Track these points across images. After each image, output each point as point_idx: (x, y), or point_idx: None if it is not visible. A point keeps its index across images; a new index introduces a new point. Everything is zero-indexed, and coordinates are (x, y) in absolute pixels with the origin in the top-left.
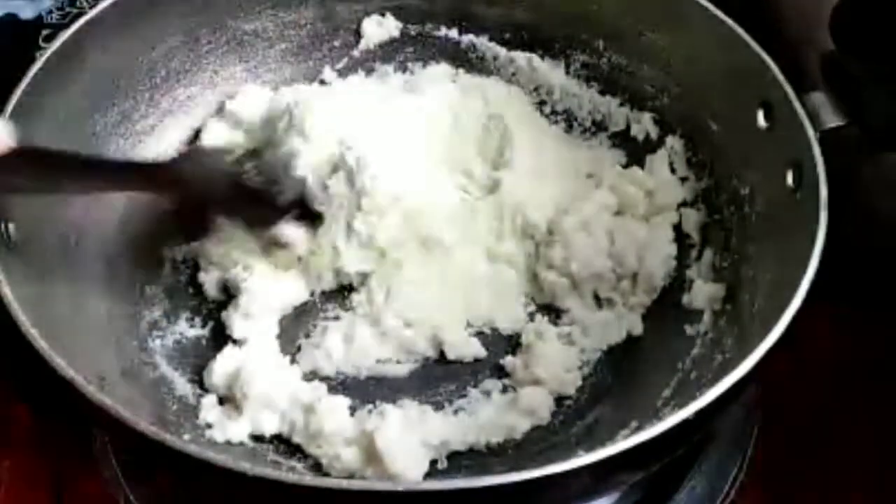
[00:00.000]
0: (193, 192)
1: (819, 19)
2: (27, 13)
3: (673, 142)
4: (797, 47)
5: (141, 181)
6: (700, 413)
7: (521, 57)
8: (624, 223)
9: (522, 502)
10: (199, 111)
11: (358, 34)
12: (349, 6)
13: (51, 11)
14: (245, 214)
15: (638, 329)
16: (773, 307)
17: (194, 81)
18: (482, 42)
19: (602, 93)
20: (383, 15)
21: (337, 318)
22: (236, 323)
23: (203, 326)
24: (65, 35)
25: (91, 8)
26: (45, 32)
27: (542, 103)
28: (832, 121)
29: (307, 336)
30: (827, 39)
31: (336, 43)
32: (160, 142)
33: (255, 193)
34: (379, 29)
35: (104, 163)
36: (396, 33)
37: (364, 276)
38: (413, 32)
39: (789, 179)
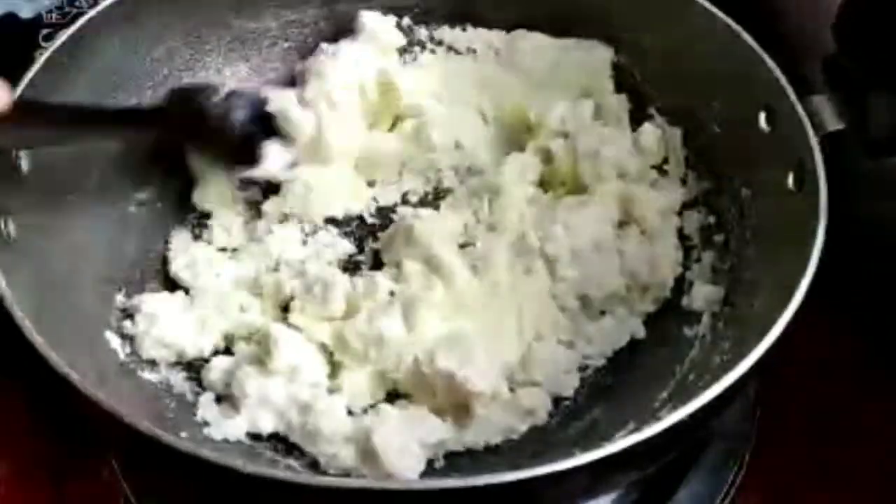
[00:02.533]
0: (176, 131)
1: (821, 22)
2: (26, 12)
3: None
4: (799, 50)
5: (130, 123)
6: (696, 414)
7: None
8: (630, 235)
9: (519, 502)
10: None
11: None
12: (352, 5)
13: (50, 11)
14: (219, 152)
15: (640, 333)
16: (771, 310)
17: (198, 79)
18: None
19: None
20: (386, 14)
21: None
22: None
23: None
24: (66, 34)
25: (91, 7)
26: (44, 32)
27: None
28: (833, 124)
29: None
30: (829, 42)
31: (340, 42)
32: None
33: (220, 125)
34: (383, 27)
35: (97, 111)
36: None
37: None
38: (416, 31)
39: (790, 182)
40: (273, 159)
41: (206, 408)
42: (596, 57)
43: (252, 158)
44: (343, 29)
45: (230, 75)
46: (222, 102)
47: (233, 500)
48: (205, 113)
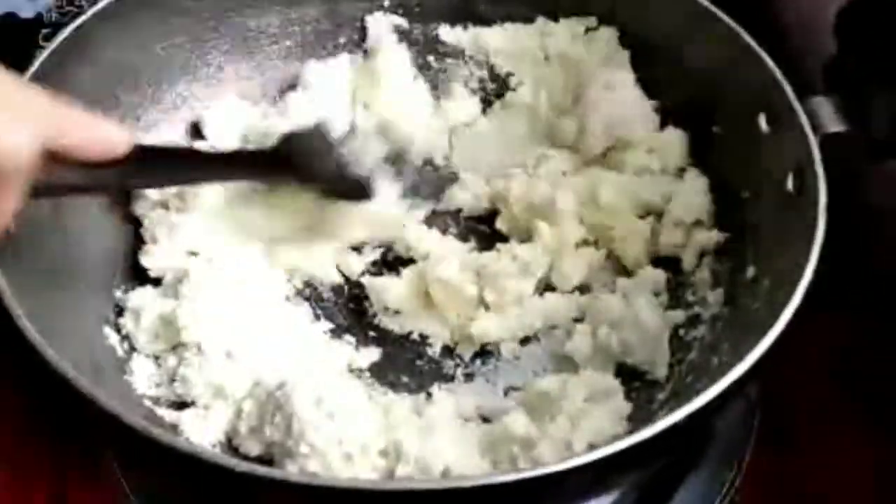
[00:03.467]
0: (290, 174)
1: (822, 23)
2: (26, 12)
3: None
4: (799, 51)
5: (244, 167)
6: (693, 416)
7: None
8: None
9: (517, 503)
10: (204, 106)
11: (362, 31)
12: (353, 3)
13: (50, 10)
14: (333, 191)
15: None
16: (770, 312)
17: (199, 77)
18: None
19: None
20: (387, 12)
21: None
22: None
23: None
24: (66, 31)
25: (90, 6)
26: (44, 31)
27: None
28: (834, 126)
29: None
30: (829, 44)
31: (341, 40)
32: (164, 137)
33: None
34: (384, 26)
35: (214, 156)
36: (401, 30)
37: None
38: (417, 30)
39: (789, 183)
40: (385, 195)
41: None
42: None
43: (366, 194)
44: (344, 27)
45: (231, 73)
46: (337, 148)
47: (227, 498)
48: (321, 159)
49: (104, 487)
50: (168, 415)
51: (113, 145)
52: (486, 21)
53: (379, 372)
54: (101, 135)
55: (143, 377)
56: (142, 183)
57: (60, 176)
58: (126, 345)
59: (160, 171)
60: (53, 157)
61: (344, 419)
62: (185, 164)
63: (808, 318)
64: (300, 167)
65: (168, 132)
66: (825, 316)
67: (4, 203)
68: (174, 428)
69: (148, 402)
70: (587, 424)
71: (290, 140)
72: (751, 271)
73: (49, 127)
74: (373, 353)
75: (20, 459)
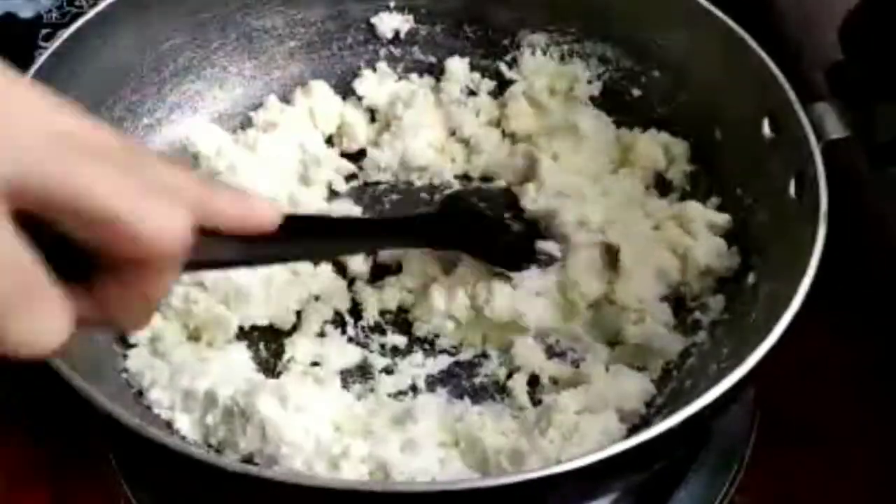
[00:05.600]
0: (449, 238)
1: (826, 29)
2: (26, 12)
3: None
4: (803, 56)
5: (402, 235)
6: (689, 421)
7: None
8: None
9: None
10: (208, 106)
11: (368, 32)
12: (360, 4)
13: (50, 10)
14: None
15: None
16: (769, 318)
17: (202, 77)
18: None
19: (608, 98)
20: (394, 12)
21: None
22: None
23: None
24: (68, 32)
25: (90, 7)
26: (44, 32)
27: None
28: (836, 132)
29: None
30: (834, 49)
31: (347, 41)
32: (166, 136)
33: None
34: (390, 27)
35: (366, 223)
36: (407, 30)
37: None
38: (424, 31)
39: (791, 189)
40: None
41: None
42: None
43: (527, 258)
44: (350, 28)
45: (235, 73)
46: (494, 204)
47: (220, 498)
48: (482, 215)
49: (104, 492)
50: (165, 414)
51: (264, 220)
52: (493, 25)
53: (364, 374)
54: (253, 210)
55: (142, 377)
56: (297, 255)
57: (212, 252)
58: (124, 344)
59: (313, 242)
60: (204, 233)
61: (314, 410)
62: (337, 235)
63: (809, 321)
64: (461, 230)
65: (171, 131)
66: (826, 319)
67: (159, 289)
68: (170, 427)
69: (145, 402)
70: (579, 436)
71: (457, 202)
72: (751, 277)
73: (201, 207)
74: (354, 355)
75: (19, 462)
